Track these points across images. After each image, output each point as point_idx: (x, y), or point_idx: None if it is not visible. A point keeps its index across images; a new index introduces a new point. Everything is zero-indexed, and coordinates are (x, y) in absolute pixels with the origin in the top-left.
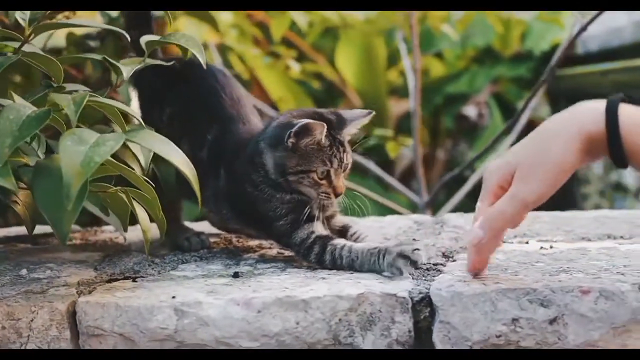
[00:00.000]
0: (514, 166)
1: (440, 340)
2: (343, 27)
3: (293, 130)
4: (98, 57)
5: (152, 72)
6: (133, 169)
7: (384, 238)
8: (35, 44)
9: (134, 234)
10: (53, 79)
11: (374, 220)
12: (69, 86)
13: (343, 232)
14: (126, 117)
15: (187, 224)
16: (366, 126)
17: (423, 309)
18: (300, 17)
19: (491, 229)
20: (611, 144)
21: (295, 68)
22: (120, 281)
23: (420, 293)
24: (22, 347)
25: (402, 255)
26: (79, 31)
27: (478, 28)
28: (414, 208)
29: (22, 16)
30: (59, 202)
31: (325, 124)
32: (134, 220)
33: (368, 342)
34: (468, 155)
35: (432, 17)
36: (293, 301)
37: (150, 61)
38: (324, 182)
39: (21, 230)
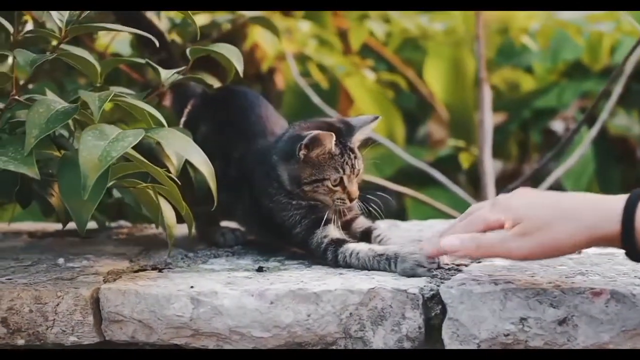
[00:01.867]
0: (515, 220)
1: (449, 337)
2: (422, 38)
3: (303, 142)
4: (141, 61)
5: (199, 94)
6: (165, 168)
7: (412, 240)
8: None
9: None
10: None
11: (414, 224)
12: (115, 88)
13: (367, 234)
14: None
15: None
16: (445, 138)
17: (434, 306)
18: (378, 27)
19: (467, 249)
20: (625, 243)
21: (371, 77)
22: (147, 271)
23: (431, 290)
24: (48, 330)
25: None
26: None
27: (568, 41)
28: None
29: (59, 17)
30: (79, 193)
31: (333, 134)
32: (181, 218)
33: (378, 337)
34: (554, 171)
35: (513, 29)
36: (305, 294)
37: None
38: (338, 188)
39: (71, 224)
